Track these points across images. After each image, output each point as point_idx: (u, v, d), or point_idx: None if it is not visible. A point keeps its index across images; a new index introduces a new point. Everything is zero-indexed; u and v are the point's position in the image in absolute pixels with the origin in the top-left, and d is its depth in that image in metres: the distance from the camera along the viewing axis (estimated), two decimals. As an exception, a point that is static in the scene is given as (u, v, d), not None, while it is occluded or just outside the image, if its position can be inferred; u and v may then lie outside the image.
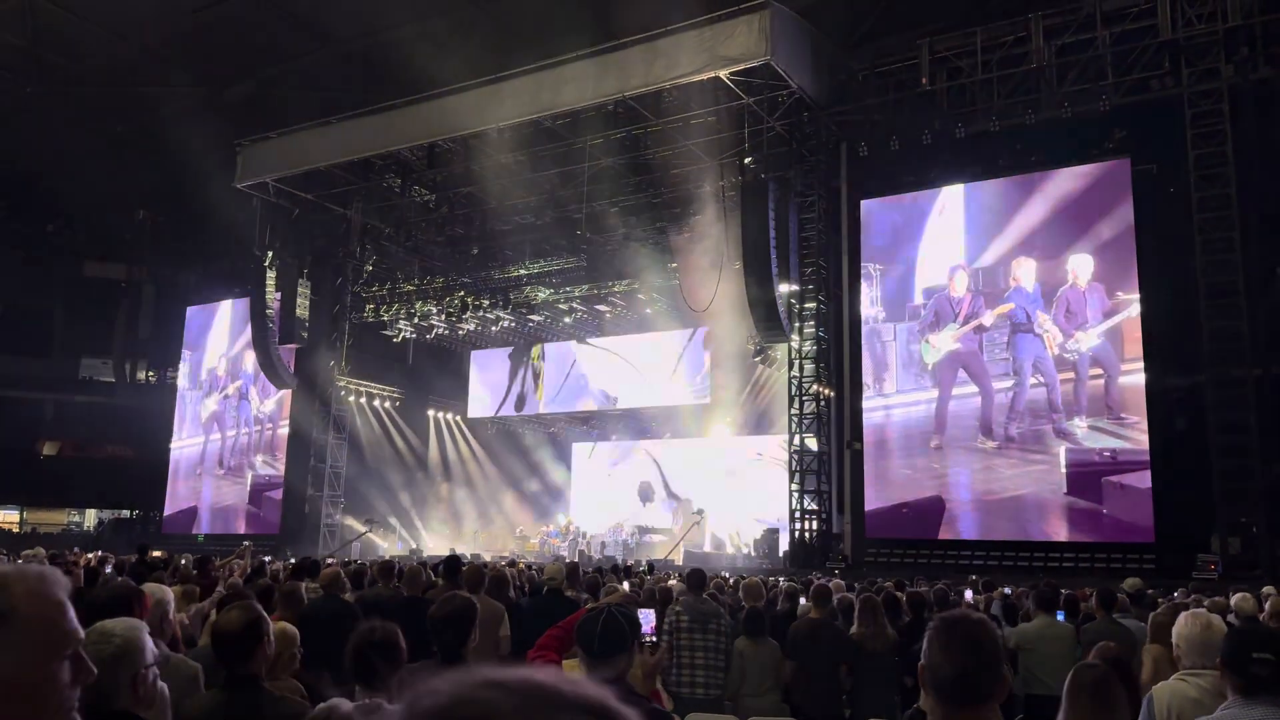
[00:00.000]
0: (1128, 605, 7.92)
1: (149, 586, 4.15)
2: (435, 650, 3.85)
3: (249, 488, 29.18)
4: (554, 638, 3.51)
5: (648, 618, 3.52)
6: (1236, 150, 16.73)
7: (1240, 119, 16.90)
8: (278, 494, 28.48)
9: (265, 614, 3.24)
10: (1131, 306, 17.62)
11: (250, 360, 28.73)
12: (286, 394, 28.21)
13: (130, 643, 2.37)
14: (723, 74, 18.04)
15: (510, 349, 30.91)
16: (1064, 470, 18.51)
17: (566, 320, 28.39)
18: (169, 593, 4.25)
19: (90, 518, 37.03)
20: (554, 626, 3.57)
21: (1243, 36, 17.00)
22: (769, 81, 18.48)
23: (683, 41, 18.40)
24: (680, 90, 19.26)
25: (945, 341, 19.71)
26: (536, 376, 30.84)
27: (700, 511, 25.78)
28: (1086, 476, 18.15)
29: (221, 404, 30.65)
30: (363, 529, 26.21)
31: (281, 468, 28.54)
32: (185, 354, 31.69)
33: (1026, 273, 18.99)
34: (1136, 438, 17.49)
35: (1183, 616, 3.69)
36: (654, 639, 3.49)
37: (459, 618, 3.79)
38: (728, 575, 12.92)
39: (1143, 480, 17.58)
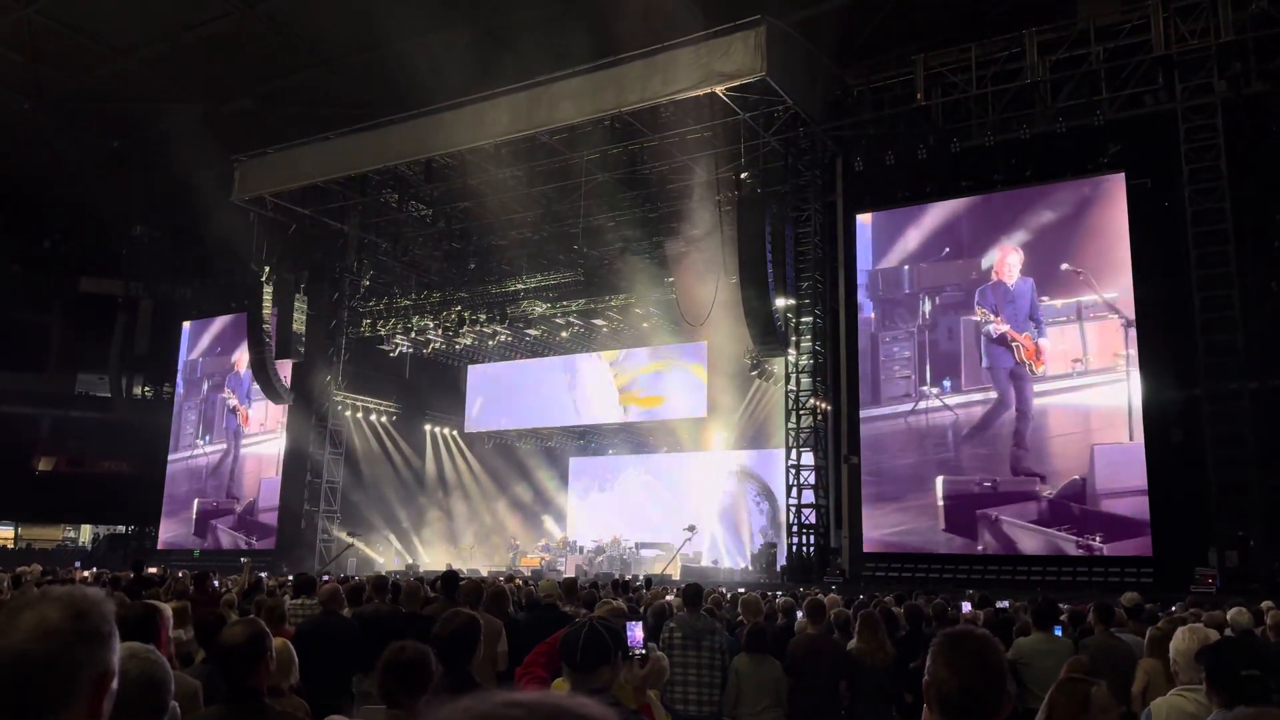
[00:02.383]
0: (1125, 620, 7.92)
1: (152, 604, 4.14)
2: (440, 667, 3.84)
3: (194, 515, 29.55)
4: (542, 653, 3.52)
5: (635, 630, 3.50)
6: (1230, 164, 16.80)
7: (1234, 133, 17.00)
8: (226, 522, 28.90)
9: (268, 630, 3.24)
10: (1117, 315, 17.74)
11: (242, 375, 28.82)
12: (276, 410, 28.29)
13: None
14: (719, 89, 18.12)
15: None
16: (940, 503, 18.45)
17: (564, 334, 28.42)
18: (168, 610, 4.25)
19: (86, 533, 36.91)
20: (542, 643, 3.57)
21: (1236, 51, 17.12)
22: (765, 97, 18.57)
23: (679, 57, 18.48)
24: (677, 105, 19.33)
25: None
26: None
27: (692, 527, 25.80)
28: (962, 509, 18.11)
29: (207, 419, 30.77)
30: (347, 541, 26.24)
31: (243, 493, 28.91)
32: (181, 369, 31.74)
33: (1011, 264, 18.84)
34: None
35: (1180, 632, 3.68)
36: (642, 651, 3.48)
37: (464, 635, 3.78)
38: (725, 590, 12.89)
39: (1026, 512, 17.54)
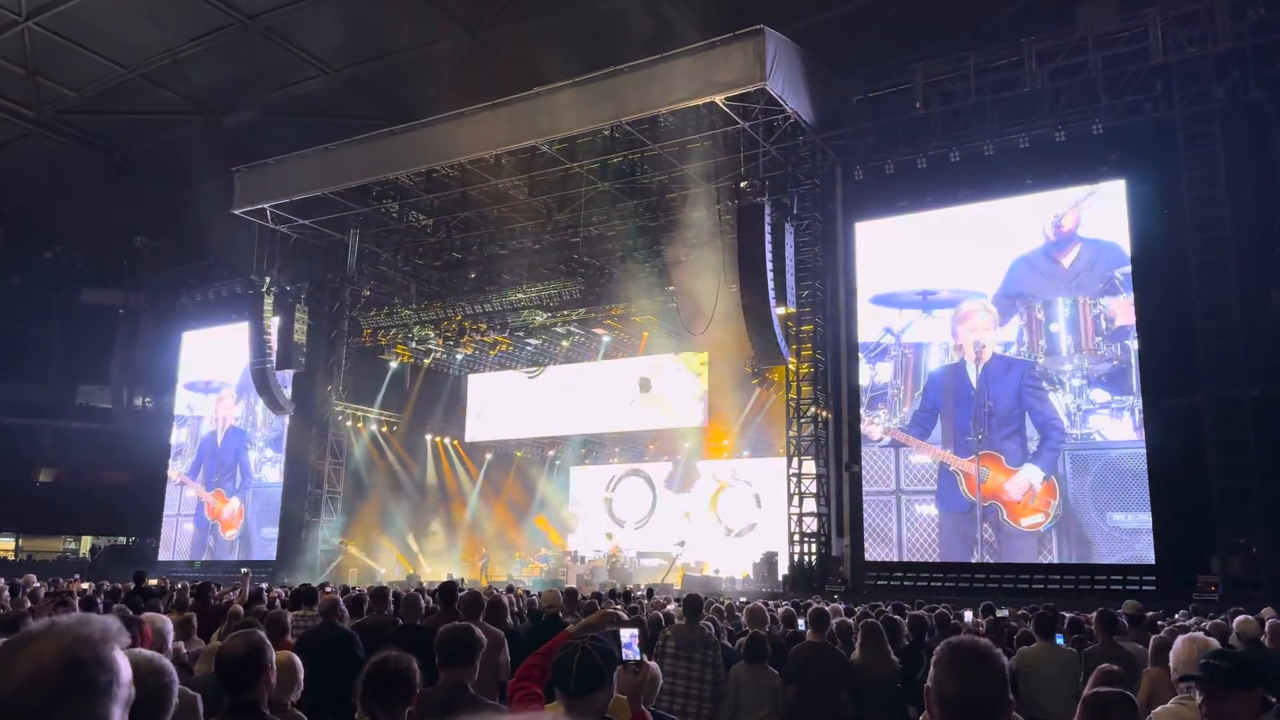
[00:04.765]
0: (1126, 628, 7.89)
1: (148, 616, 4.13)
2: (439, 677, 3.82)
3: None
4: (534, 666, 3.44)
5: (630, 638, 3.45)
6: (1229, 172, 16.83)
7: (1233, 141, 17.02)
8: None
9: (269, 642, 3.23)
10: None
11: (240, 385, 28.86)
12: (262, 431, 28.44)
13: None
14: (718, 99, 18.14)
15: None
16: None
17: (564, 344, 28.42)
18: (169, 622, 4.23)
19: (86, 545, 36.87)
20: (534, 654, 3.50)
21: (1234, 60, 17.16)
22: (764, 106, 18.58)
23: (678, 67, 18.50)
24: (677, 115, 19.37)
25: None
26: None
27: (682, 543, 25.81)
28: None
29: (201, 431, 30.84)
30: (341, 549, 26.27)
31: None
32: (181, 380, 31.79)
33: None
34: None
35: (1180, 640, 3.64)
36: (637, 657, 3.42)
37: (463, 646, 3.75)
38: (724, 600, 12.81)
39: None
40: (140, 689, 2.19)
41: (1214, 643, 3.64)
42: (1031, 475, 18.07)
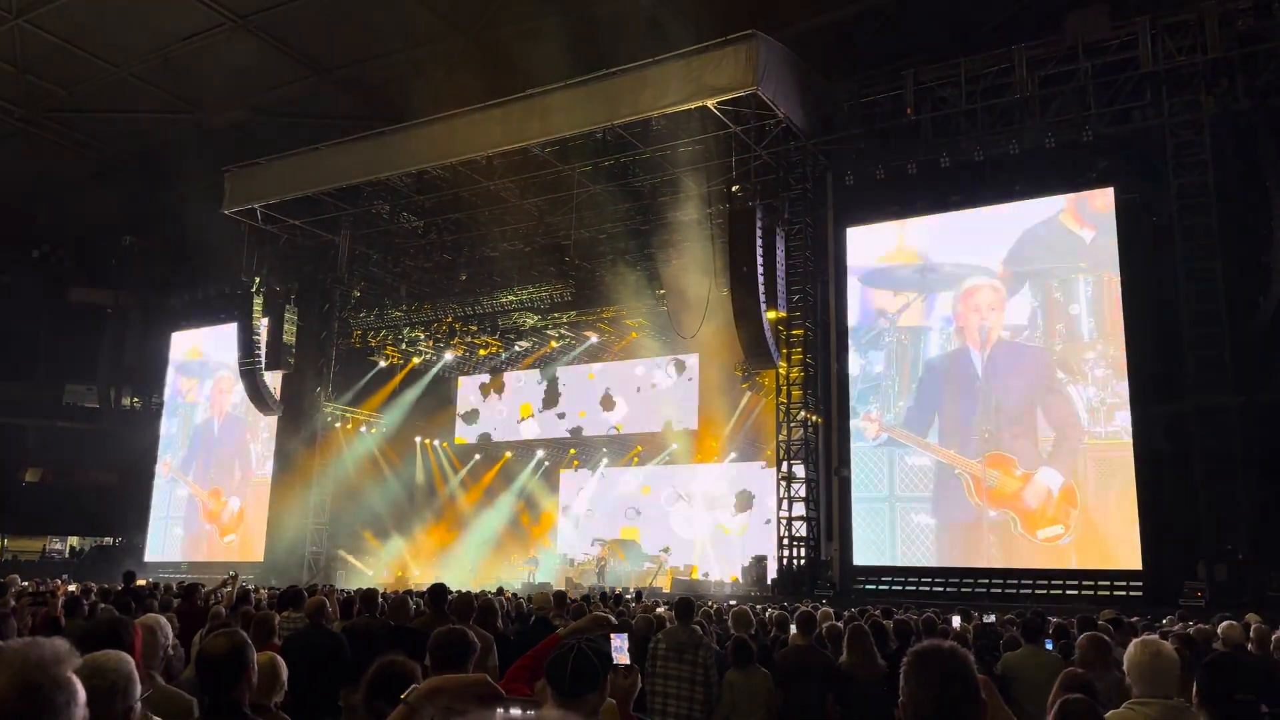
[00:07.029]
0: (1111, 634, 7.91)
1: (147, 617, 4.10)
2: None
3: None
4: (524, 668, 3.42)
5: (620, 641, 3.45)
6: (1218, 180, 16.92)
7: (1221, 149, 17.11)
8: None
9: (250, 641, 3.21)
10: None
11: (229, 386, 28.73)
12: (264, 421, 28.24)
13: (124, 677, 2.33)
14: (710, 103, 18.17)
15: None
16: None
17: (554, 346, 28.42)
18: (166, 624, 4.20)
19: (71, 544, 36.67)
20: (524, 655, 3.48)
21: (1222, 69, 17.26)
22: (756, 111, 18.63)
23: (670, 71, 18.54)
24: (668, 119, 19.39)
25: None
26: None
27: (667, 550, 25.77)
28: None
29: (194, 421, 30.64)
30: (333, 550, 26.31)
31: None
32: (169, 380, 31.62)
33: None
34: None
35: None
36: (627, 662, 3.42)
37: (457, 649, 3.73)
38: (712, 604, 12.80)
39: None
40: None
41: (1166, 646, 3.59)
42: (1049, 480, 16.96)
